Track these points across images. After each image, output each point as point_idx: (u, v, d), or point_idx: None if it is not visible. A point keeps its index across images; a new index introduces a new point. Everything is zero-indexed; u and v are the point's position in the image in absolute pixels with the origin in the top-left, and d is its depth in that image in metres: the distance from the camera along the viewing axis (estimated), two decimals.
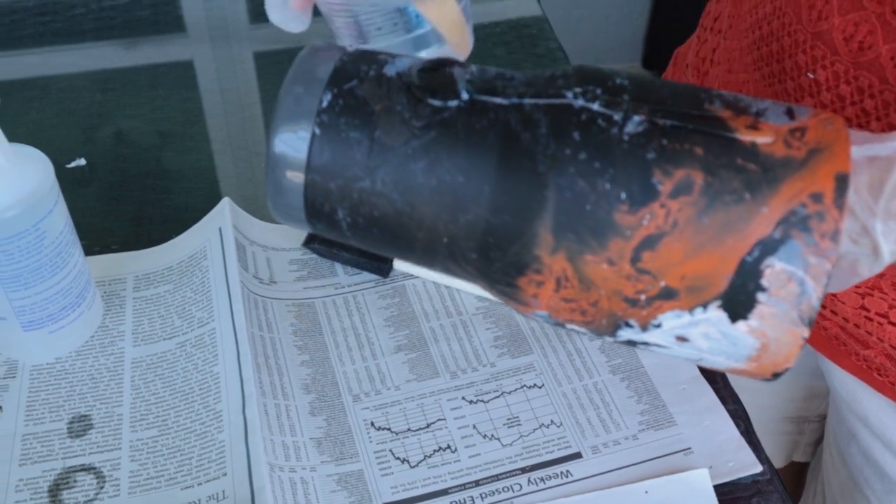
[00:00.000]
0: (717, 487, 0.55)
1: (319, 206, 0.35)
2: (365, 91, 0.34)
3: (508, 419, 0.60)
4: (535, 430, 0.59)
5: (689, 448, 0.57)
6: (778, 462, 0.86)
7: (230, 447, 0.57)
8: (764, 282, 0.31)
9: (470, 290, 0.67)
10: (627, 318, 0.34)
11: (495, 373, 0.62)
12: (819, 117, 0.33)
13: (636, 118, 0.32)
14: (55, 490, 0.57)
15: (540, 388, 0.61)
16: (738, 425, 0.59)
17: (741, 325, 0.32)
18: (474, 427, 0.59)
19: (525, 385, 0.62)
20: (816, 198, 0.31)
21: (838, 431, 0.67)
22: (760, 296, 0.31)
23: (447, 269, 0.37)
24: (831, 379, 0.65)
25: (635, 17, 2.38)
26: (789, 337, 0.32)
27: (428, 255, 0.36)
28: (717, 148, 0.32)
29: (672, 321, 0.33)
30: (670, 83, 0.35)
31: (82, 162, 0.83)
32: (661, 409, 0.60)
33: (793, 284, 0.31)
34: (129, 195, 0.80)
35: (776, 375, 0.34)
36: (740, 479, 0.56)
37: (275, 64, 0.95)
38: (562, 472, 0.56)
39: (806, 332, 0.32)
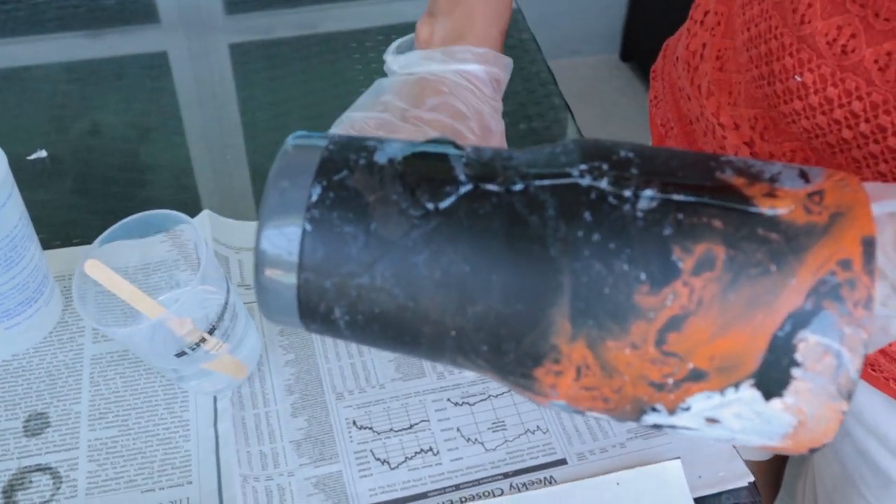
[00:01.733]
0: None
1: (314, 306, 0.33)
2: (357, 182, 0.32)
3: (494, 423, 0.57)
4: (520, 435, 0.57)
5: (677, 457, 0.55)
6: (762, 454, 0.86)
7: (197, 457, 0.55)
8: (798, 357, 0.30)
9: None
10: (654, 403, 0.32)
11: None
12: (834, 179, 0.32)
13: (648, 193, 0.31)
14: (9, 491, 0.53)
15: None
16: None
17: (776, 402, 0.31)
18: (458, 430, 0.57)
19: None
20: (845, 265, 0.29)
21: None
22: (795, 371, 0.30)
23: (454, 363, 0.34)
24: None
25: (613, 8, 2.37)
26: (827, 412, 0.30)
27: (434, 349, 0.34)
28: (737, 220, 0.30)
29: (702, 403, 0.31)
30: (677, 151, 0.33)
31: (43, 154, 0.79)
32: None
33: (829, 357, 0.29)
34: (94, 188, 0.76)
35: (813, 451, 0.32)
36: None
37: (251, 55, 0.93)
38: (545, 479, 0.54)
39: (845, 406, 0.30)
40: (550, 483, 0.54)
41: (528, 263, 0.31)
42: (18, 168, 0.58)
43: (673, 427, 0.33)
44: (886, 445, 0.60)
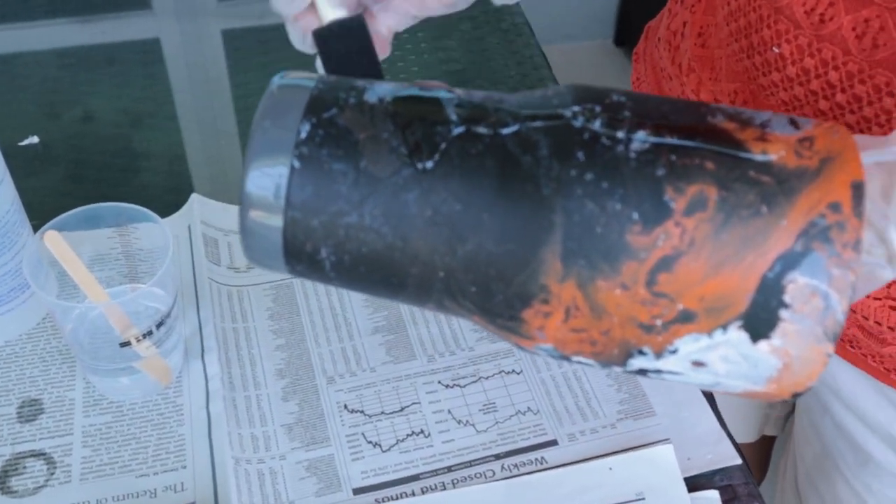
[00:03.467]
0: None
1: (300, 246, 0.32)
2: (346, 120, 0.32)
3: (484, 405, 0.58)
4: (511, 416, 0.57)
5: (667, 439, 0.56)
6: (749, 436, 0.86)
7: (191, 441, 0.55)
8: (787, 298, 0.30)
9: None
10: (641, 346, 0.32)
11: (473, 357, 0.60)
12: (823, 126, 0.32)
13: (641, 135, 0.31)
14: (3, 476, 0.53)
15: (518, 374, 0.60)
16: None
17: (763, 345, 0.31)
18: (449, 412, 0.57)
19: (503, 371, 0.60)
20: (835, 207, 0.29)
21: (811, 404, 0.67)
22: (783, 313, 0.30)
23: (441, 306, 0.34)
24: None
25: None
26: (813, 354, 0.30)
27: (421, 291, 0.33)
28: (729, 162, 0.30)
29: (689, 346, 0.31)
30: (668, 98, 0.34)
31: (35, 140, 0.79)
32: (640, 399, 0.58)
33: (817, 299, 0.29)
34: (87, 175, 0.76)
35: (796, 395, 0.33)
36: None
37: (244, 41, 0.93)
38: (536, 459, 0.55)
39: (830, 349, 0.30)
40: (542, 463, 0.55)
41: (520, 202, 0.31)
42: (10, 154, 0.58)
43: (658, 371, 0.33)
44: (865, 422, 0.60)
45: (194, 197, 0.69)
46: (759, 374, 0.31)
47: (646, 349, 0.32)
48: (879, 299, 0.52)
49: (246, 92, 0.86)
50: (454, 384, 0.59)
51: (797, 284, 0.29)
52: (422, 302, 0.34)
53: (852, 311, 0.54)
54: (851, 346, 0.56)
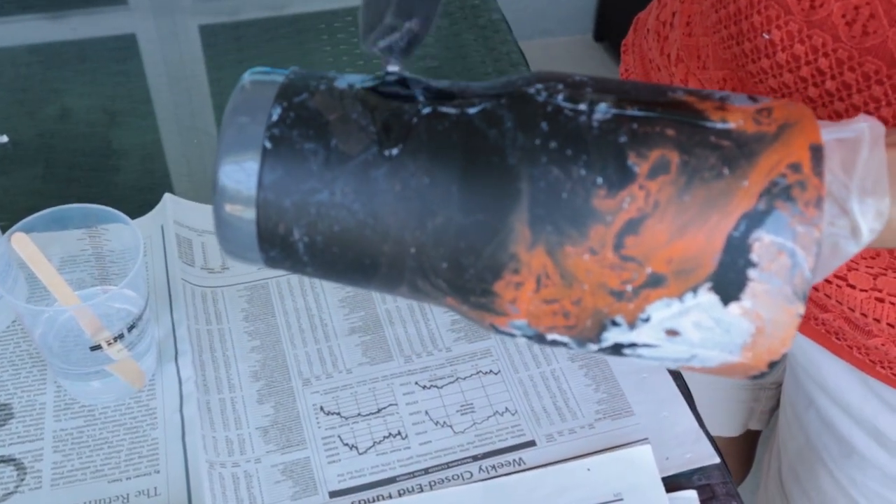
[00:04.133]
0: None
1: (273, 228, 0.33)
2: (317, 103, 0.33)
3: (462, 406, 0.57)
4: (488, 417, 0.57)
5: (645, 438, 0.56)
6: (734, 430, 0.86)
7: (164, 444, 0.55)
8: (754, 256, 0.30)
9: None
10: (614, 315, 0.32)
11: (451, 358, 0.60)
12: (781, 101, 0.33)
13: (602, 106, 0.32)
14: None
15: (496, 374, 0.59)
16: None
17: (734, 307, 0.31)
18: (426, 413, 0.57)
19: (481, 371, 0.59)
20: (795, 167, 0.30)
21: (795, 398, 0.67)
22: (751, 272, 0.30)
23: (414, 287, 0.34)
24: None
25: None
26: (784, 316, 0.31)
27: (393, 271, 0.33)
28: (689, 129, 0.31)
29: (661, 311, 0.31)
30: (629, 80, 0.34)
31: (4, 139, 0.78)
32: (619, 399, 0.58)
33: (783, 257, 0.30)
34: (59, 174, 0.75)
35: (772, 365, 0.33)
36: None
37: (217, 37, 0.92)
38: (514, 461, 0.54)
39: (801, 309, 0.31)
40: (520, 465, 0.54)
41: (487, 172, 0.31)
42: None
43: (633, 346, 0.33)
44: (850, 414, 0.60)
45: (167, 197, 0.68)
46: (732, 340, 0.32)
47: (618, 319, 0.32)
48: (865, 291, 0.52)
49: (223, 88, 0.85)
50: (431, 385, 0.58)
51: (763, 242, 0.30)
52: (395, 284, 0.34)
53: (838, 302, 0.54)
54: (837, 338, 0.56)
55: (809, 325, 0.58)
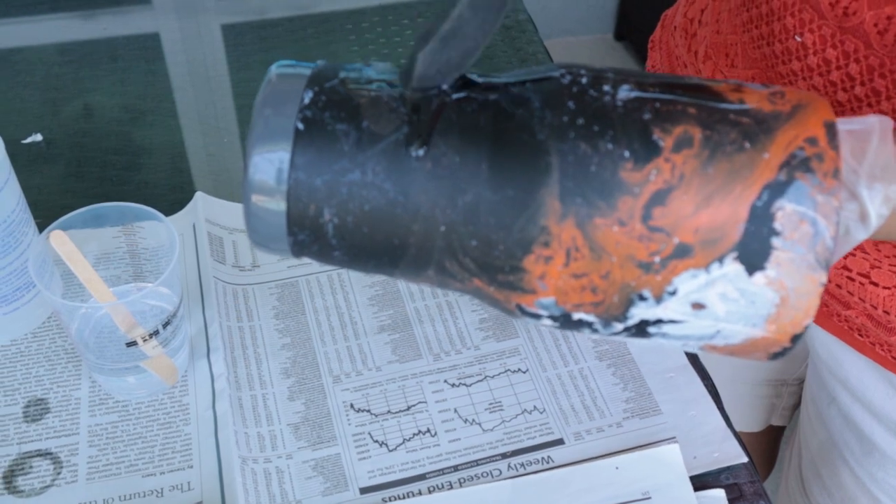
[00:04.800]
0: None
1: (304, 209, 0.33)
2: (347, 87, 0.34)
3: (490, 404, 0.58)
4: (517, 415, 0.57)
5: (673, 437, 0.56)
6: (756, 425, 0.86)
7: (197, 440, 0.55)
8: (777, 225, 0.31)
9: None
10: (641, 289, 0.33)
11: (479, 356, 0.61)
12: (792, 87, 0.35)
13: (625, 87, 0.33)
14: (10, 476, 0.53)
15: (524, 372, 0.60)
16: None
17: (759, 277, 0.32)
18: (455, 411, 0.57)
19: (509, 369, 0.60)
20: (812, 141, 0.32)
21: (818, 394, 0.68)
22: (775, 241, 0.31)
23: (441, 269, 0.35)
24: (812, 341, 0.65)
25: None
26: (808, 284, 0.32)
27: (422, 252, 0.34)
28: (709, 107, 0.32)
29: (688, 283, 0.32)
30: (649, 72, 0.36)
31: (38, 138, 0.79)
32: (646, 398, 0.58)
33: (805, 225, 0.31)
34: (90, 172, 0.76)
35: (795, 339, 0.33)
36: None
37: (243, 37, 0.92)
38: (543, 458, 0.55)
39: (824, 277, 0.32)
40: (548, 463, 0.55)
41: (516, 148, 0.32)
42: (14, 152, 0.58)
43: (659, 322, 0.34)
44: (871, 411, 0.60)
45: (199, 195, 0.69)
46: (757, 311, 0.32)
47: (645, 292, 0.33)
48: (888, 288, 0.52)
49: (247, 87, 0.85)
50: (460, 383, 0.59)
51: (785, 211, 0.31)
52: (423, 267, 0.35)
53: (860, 299, 0.54)
54: (860, 335, 0.57)
55: (832, 322, 0.59)
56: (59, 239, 0.54)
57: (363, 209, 0.33)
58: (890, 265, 0.52)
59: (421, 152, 0.33)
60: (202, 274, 0.64)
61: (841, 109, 0.48)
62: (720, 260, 0.32)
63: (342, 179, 0.33)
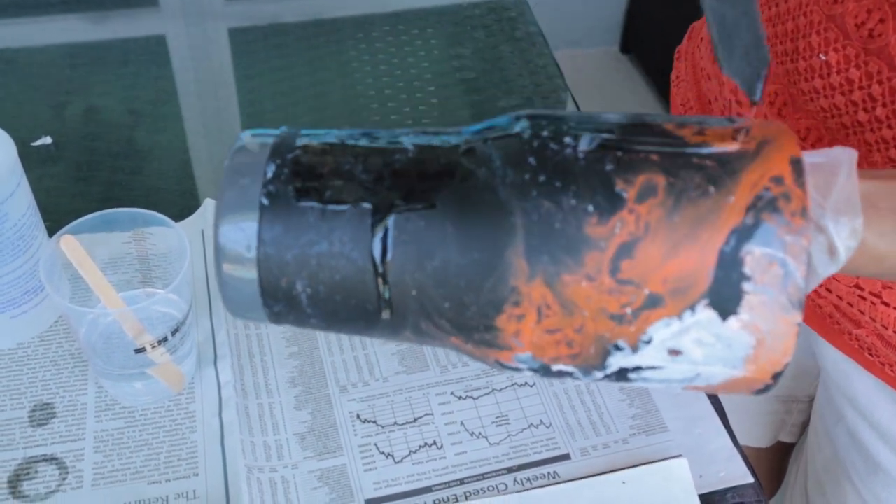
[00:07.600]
0: None
1: (276, 282, 0.33)
2: (309, 157, 0.34)
3: (497, 417, 0.58)
4: (523, 429, 0.57)
5: (679, 455, 0.56)
6: (765, 441, 0.86)
7: (203, 448, 0.55)
8: (746, 269, 0.31)
9: None
10: (616, 340, 0.33)
11: (486, 369, 0.61)
12: (758, 120, 0.34)
13: (587, 137, 0.33)
14: (15, 481, 0.53)
15: (531, 386, 0.60)
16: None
17: (732, 321, 0.32)
18: (462, 424, 0.57)
19: (516, 383, 0.60)
20: (778, 181, 0.31)
21: (826, 411, 0.68)
22: (746, 285, 0.31)
23: (418, 330, 0.35)
24: (823, 358, 0.65)
25: (614, 0, 2.36)
26: (783, 326, 0.32)
27: (397, 316, 0.34)
28: (672, 152, 0.32)
29: (662, 332, 0.32)
30: (609, 112, 0.36)
31: (48, 140, 0.79)
32: (653, 414, 0.58)
33: (775, 267, 0.31)
34: (98, 175, 0.76)
35: (776, 377, 0.33)
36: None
37: (253, 43, 0.92)
38: (549, 473, 0.55)
39: (798, 317, 0.32)
40: (554, 478, 0.55)
41: (479, 210, 0.32)
42: (23, 155, 0.58)
43: (638, 369, 0.33)
44: (878, 431, 0.60)
45: (208, 202, 0.69)
46: (734, 354, 0.32)
47: (621, 343, 0.32)
48: None
49: (254, 94, 0.86)
50: (467, 396, 0.59)
51: (754, 255, 0.31)
52: (399, 328, 0.35)
53: (871, 319, 0.54)
54: (870, 354, 0.57)
55: (843, 340, 0.59)
56: (69, 244, 0.54)
57: (334, 279, 0.33)
58: None
59: (383, 227, 0.33)
60: (210, 281, 0.64)
61: (861, 129, 0.48)
62: (692, 308, 0.31)
63: (310, 252, 0.33)
